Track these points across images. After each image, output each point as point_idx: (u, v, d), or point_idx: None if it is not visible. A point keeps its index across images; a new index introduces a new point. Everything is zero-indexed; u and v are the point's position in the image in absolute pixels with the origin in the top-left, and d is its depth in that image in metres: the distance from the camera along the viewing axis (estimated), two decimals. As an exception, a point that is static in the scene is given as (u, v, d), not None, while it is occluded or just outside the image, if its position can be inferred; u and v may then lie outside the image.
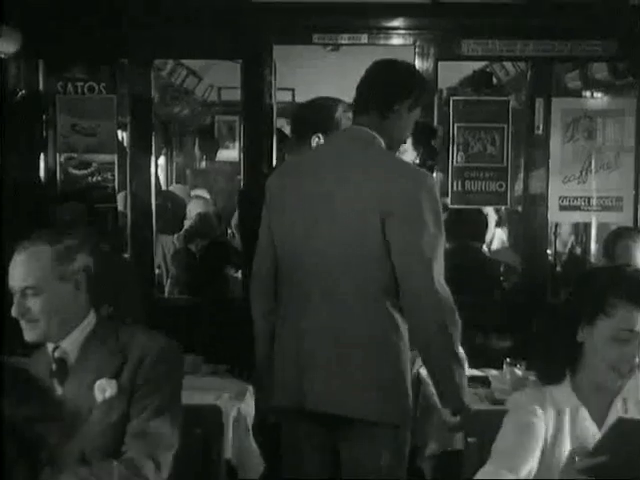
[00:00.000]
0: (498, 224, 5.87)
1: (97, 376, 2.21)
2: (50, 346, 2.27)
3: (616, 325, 2.05)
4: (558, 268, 5.32)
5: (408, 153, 3.39)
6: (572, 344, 2.13)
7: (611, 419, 2.11)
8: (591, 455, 1.91)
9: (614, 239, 4.14)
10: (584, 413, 2.14)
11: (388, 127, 2.63)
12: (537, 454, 2.10)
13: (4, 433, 1.16)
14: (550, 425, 2.12)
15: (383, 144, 2.62)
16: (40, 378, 2.08)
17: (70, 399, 2.20)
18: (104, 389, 2.19)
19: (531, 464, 2.09)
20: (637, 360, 2.06)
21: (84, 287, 2.26)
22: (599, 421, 2.14)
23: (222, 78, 6.79)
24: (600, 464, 1.87)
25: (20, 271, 2.21)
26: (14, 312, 2.21)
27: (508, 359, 3.26)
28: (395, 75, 2.74)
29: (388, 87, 2.67)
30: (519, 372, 3.20)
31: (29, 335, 2.24)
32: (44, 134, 4.59)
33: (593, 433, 2.12)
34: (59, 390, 2.24)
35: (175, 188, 6.94)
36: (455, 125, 4.66)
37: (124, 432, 2.19)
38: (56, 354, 2.26)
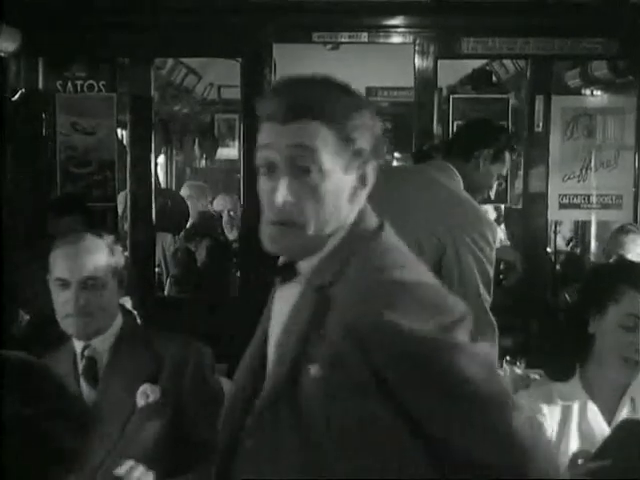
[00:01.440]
0: (497, 221, 5.86)
1: (133, 380, 2.16)
2: (79, 344, 2.22)
3: (623, 311, 2.11)
4: (558, 266, 5.31)
5: (489, 212, 3.61)
6: (583, 336, 2.17)
7: (620, 416, 2.12)
8: (595, 458, 1.92)
9: (617, 235, 4.17)
10: (593, 408, 2.15)
11: (468, 171, 2.96)
12: None
13: (11, 429, 1.12)
14: (556, 421, 2.13)
15: (461, 182, 2.95)
16: (58, 374, 2.07)
17: (104, 402, 2.15)
18: (147, 394, 2.14)
19: None
20: None
21: (124, 285, 2.26)
22: (608, 417, 2.15)
23: (222, 76, 6.79)
24: (604, 467, 1.87)
25: (79, 261, 2.14)
26: (70, 307, 2.14)
27: (508, 357, 3.26)
28: (480, 125, 3.15)
29: (471, 133, 3.08)
30: (519, 370, 3.19)
31: (79, 330, 2.17)
32: (44, 133, 4.59)
33: (602, 429, 2.13)
34: (87, 391, 2.19)
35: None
36: (455, 123, 4.66)
37: (164, 440, 2.15)
38: (86, 353, 2.21)
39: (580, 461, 1.95)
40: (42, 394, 1.19)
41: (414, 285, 1.40)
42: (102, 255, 2.17)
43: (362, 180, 1.47)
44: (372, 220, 1.50)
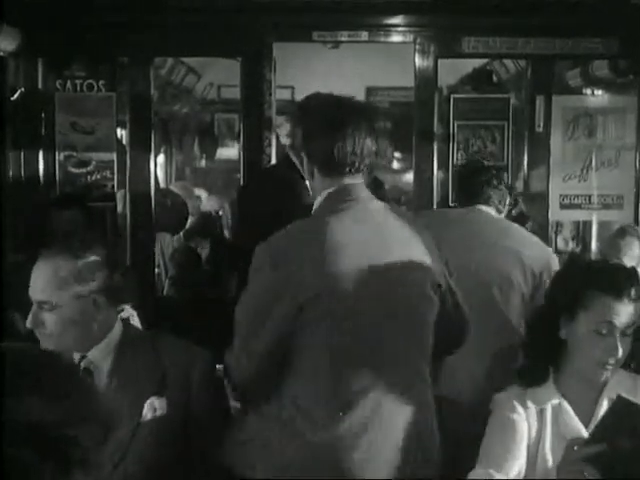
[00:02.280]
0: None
1: (137, 391, 2.15)
2: (76, 355, 2.20)
3: (594, 318, 2.07)
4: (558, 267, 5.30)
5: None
6: (555, 342, 2.15)
7: (598, 416, 2.11)
8: (589, 441, 1.91)
9: (614, 238, 4.16)
10: (567, 410, 2.13)
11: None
12: (523, 451, 2.11)
13: (23, 435, 1.02)
14: (532, 422, 2.13)
15: None
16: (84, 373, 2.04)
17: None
18: (155, 408, 2.14)
19: (519, 461, 2.11)
20: (620, 352, 2.05)
21: (105, 305, 2.18)
22: (584, 419, 2.13)
23: (222, 76, 6.78)
24: (600, 452, 1.86)
25: (39, 283, 2.13)
26: (28, 323, 2.15)
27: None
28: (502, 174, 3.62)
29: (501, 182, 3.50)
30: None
31: (44, 345, 2.15)
32: (43, 132, 4.58)
33: (578, 430, 2.12)
34: None
35: (175, 186, 6.93)
36: (455, 123, 4.65)
37: (174, 452, 2.15)
38: (82, 364, 2.19)
39: (576, 447, 1.94)
40: (68, 396, 1.08)
41: None
42: (62, 280, 2.11)
43: None
44: None
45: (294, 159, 2.30)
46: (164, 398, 2.14)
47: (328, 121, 2.16)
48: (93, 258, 2.16)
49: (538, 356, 2.19)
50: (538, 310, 2.28)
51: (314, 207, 2.23)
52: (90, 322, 2.17)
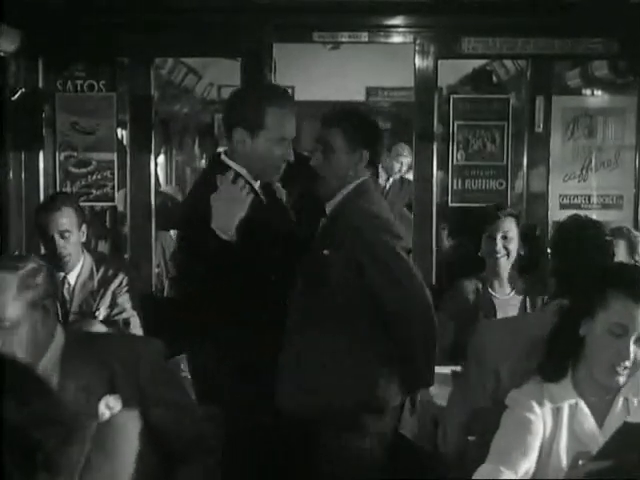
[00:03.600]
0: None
1: (90, 394, 2.14)
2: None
3: (611, 318, 2.07)
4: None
5: None
6: (575, 338, 2.14)
7: (612, 417, 2.11)
8: (595, 459, 1.91)
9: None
10: (584, 409, 2.13)
11: None
12: (535, 451, 2.10)
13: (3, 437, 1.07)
14: (548, 421, 2.12)
15: None
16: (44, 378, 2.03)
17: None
18: (110, 406, 2.13)
19: (530, 461, 2.10)
20: (631, 357, 2.05)
21: (52, 310, 2.19)
22: (599, 419, 2.13)
23: (222, 76, 6.79)
24: (604, 469, 1.86)
25: None
26: None
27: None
28: None
29: None
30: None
31: None
32: (44, 132, 4.59)
33: (592, 430, 2.12)
34: None
35: (169, 189, 6.93)
36: (455, 123, 4.65)
37: (146, 443, 2.15)
38: None
39: (581, 462, 1.94)
40: (31, 398, 1.13)
41: None
42: (13, 292, 2.09)
43: None
44: None
45: None
46: (117, 395, 2.14)
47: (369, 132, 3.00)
48: (31, 266, 2.15)
49: (557, 351, 2.19)
50: (563, 306, 2.28)
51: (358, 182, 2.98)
52: (42, 332, 2.15)
